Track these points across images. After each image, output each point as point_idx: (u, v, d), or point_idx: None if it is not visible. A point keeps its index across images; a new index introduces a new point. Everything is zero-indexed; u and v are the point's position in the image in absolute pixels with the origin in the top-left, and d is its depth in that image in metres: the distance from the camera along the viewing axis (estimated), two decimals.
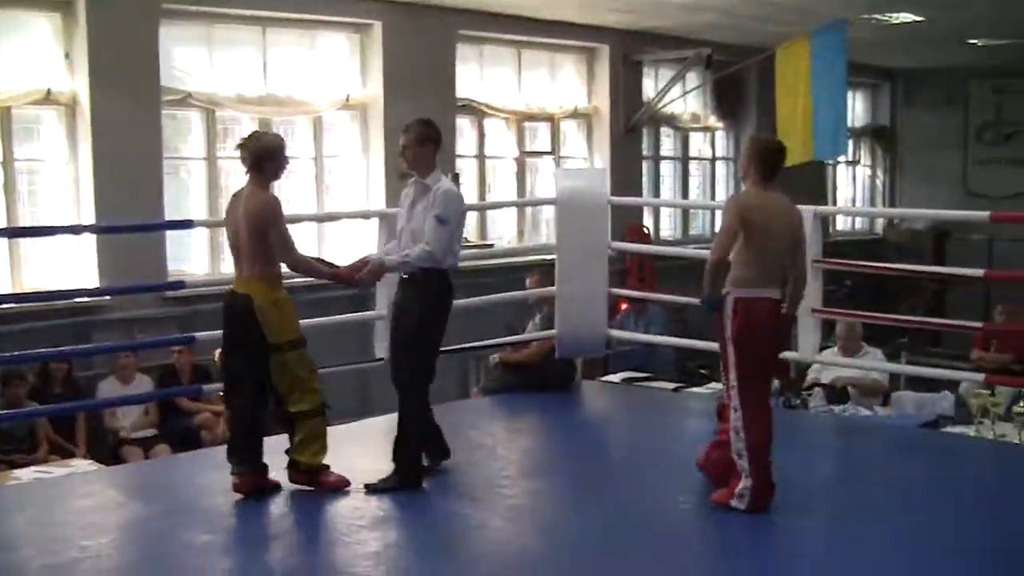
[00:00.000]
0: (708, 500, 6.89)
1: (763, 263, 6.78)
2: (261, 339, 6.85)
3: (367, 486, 7.15)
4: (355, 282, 7.49)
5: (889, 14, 14.54)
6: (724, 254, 6.84)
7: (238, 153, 7.00)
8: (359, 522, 6.55)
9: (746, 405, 6.75)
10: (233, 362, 7.06)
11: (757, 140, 7.20)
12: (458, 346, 10.08)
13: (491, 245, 14.69)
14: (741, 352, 6.74)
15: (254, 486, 7.05)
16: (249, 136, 7.10)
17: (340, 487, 7.16)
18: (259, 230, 6.82)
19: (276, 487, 7.16)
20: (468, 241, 13.28)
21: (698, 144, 18.24)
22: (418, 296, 7.26)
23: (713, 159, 18.43)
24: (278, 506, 6.93)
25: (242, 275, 6.95)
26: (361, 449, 8.07)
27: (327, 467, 7.19)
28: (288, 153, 7.12)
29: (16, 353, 9.61)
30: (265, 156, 6.91)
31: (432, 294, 7.27)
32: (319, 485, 7.15)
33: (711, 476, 7.09)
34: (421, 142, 7.28)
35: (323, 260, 7.51)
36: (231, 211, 7.06)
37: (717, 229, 7.27)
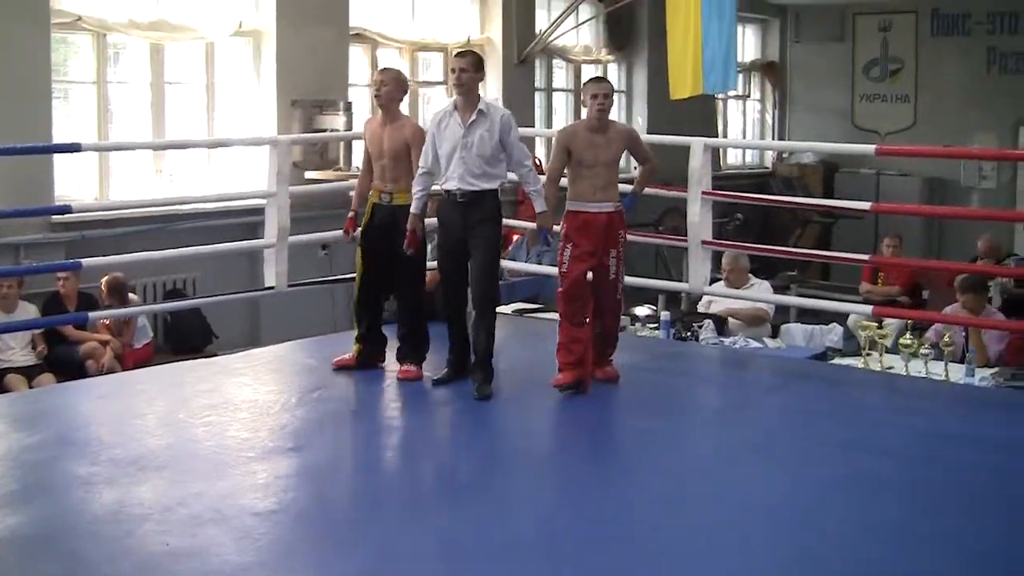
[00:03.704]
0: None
1: None
2: None
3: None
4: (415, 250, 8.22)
5: None
6: None
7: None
8: (248, 453, 6.49)
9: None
10: None
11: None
12: (350, 275, 10.04)
13: None
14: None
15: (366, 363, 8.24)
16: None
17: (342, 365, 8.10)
18: None
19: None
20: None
21: (590, 77, 18.15)
22: (495, 215, 7.85)
23: None
24: (160, 437, 6.85)
25: None
26: (247, 379, 8.04)
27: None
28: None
29: None
30: None
31: (499, 211, 7.89)
32: None
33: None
34: (477, 69, 7.69)
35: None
36: None
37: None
